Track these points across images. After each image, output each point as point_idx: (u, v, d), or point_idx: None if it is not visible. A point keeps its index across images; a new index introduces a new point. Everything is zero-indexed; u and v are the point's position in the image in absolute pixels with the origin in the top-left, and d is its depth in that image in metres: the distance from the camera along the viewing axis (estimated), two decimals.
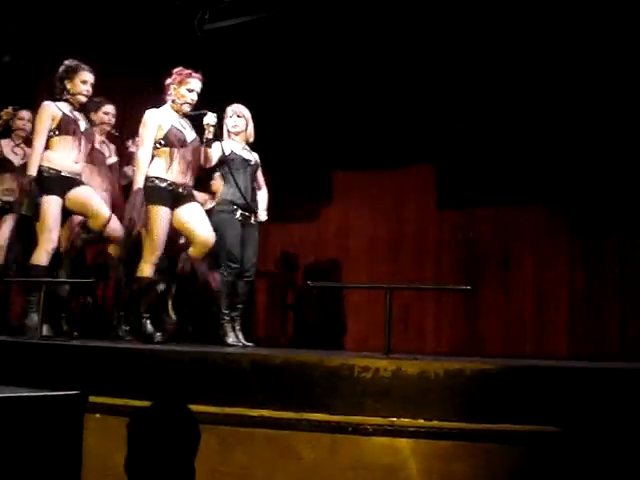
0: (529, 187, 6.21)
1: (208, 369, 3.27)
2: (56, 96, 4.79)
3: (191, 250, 4.72)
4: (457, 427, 3.00)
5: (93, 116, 5.39)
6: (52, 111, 4.71)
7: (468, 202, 6.53)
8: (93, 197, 4.82)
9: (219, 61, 6.23)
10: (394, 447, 3.03)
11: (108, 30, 6.79)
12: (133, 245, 4.90)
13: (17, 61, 6.68)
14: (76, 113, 4.82)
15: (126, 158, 5.72)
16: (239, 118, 5.19)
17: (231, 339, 4.88)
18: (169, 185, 4.66)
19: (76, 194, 4.75)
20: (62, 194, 4.70)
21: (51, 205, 4.64)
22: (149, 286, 4.67)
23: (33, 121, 5.43)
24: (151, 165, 4.66)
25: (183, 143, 4.71)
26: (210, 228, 4.73)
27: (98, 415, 3.31)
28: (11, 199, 5.45)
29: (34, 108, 5.22)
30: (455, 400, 3.04)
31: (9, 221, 5.40)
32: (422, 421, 3.01)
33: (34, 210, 4.61)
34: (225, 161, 5.03)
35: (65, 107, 4.77)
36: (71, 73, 4.77)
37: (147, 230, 4.62)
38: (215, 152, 4.95)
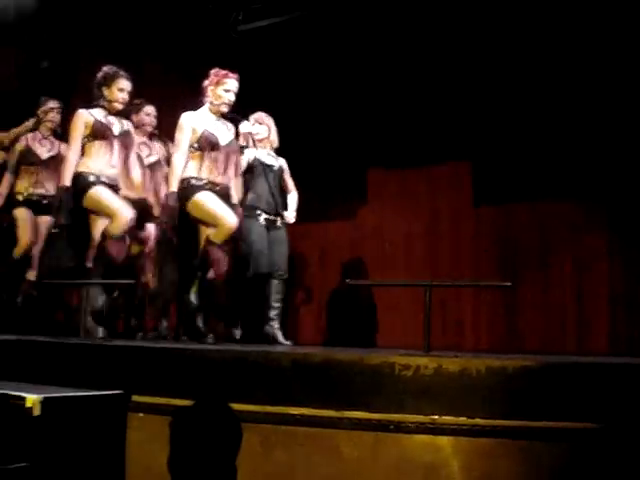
0: (567, 182, 6.14)
1: (249, 368, 3.28)
2: (93, 102, 4.83)
3: (213, 234, 4.64)
4: (499, 424, 2.98)
5: (134, 118, 5.42)
6: (85, 118, 4.75)
7: (505, 198, 6.47)
8: (116, 200, 4.75)
9: (254, 61, 6.25)
10: (435, 445, 3.01)
11: (143, 34, 6.87)
12: (168, 247, 4.93)
13: (54, 66, 6.77)
14: (110, 118, 4.83)
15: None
16: (260, 125, 5.33)
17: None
18: (205, 184, 4.66)
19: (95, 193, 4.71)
20: None
21: (101, 192, 4.65)
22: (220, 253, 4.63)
23: (62, 112, 5.58)
24: (186, 168, 4.67)
25: (215, 147, 4.71)
26: (233, 214, 4.68)
27: (141, 414, 3.34)
28: (42, 192, 5.52)
29: (70, 111, 5.28)
30: (497, 397, 3.01)
31: (47, 222, 5.44)
32: (464, 419, 2.99)
33: (70, 219, 4.67)
34: (248, 168, 5.19)
35: (99, 113, 4.80)
36: (109, 80, 4.80)
37: (202, 215, 4.62)
38: (245, 159, 5.14)
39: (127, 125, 5.01)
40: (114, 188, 4.80)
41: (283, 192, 5.48)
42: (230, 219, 4.62)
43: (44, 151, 5.57)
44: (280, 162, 5.47)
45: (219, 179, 4.74)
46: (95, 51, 6.62)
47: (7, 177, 5.58)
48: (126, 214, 4.65)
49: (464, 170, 6.68)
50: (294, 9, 6.47)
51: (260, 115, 5.37)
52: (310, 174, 6.90)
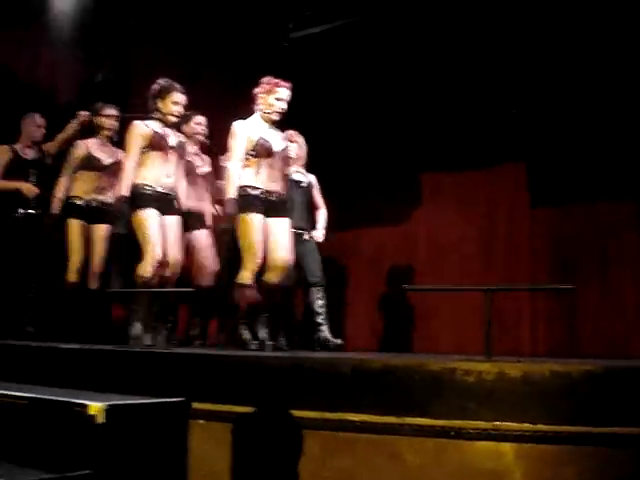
0: (624, 182, 6.03)
1: (308, 374, 3.27)
2: (148, 114, 4.89)
3: (267, 275, 4.71)
4: (563, 430, 2.92)
5: (185, 128, 5.48)
6: (141, 130, 4.80)
7: (561, 199, 6.39)
8: (153, 230, 4.74)
9: (307, 69, 6.28)
10: (498, 451, 2.96)
11: (194, 43, 6.96)
12: (232, 254, 4.99)
13: (109, 79, 6.89)
14: (166, 129, 4.89)
15: (219, 172, 5.76)
16: (291, 143, 5.38)
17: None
18: (261, 193, 4.69)
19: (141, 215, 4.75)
20: (158, 208, 4.76)
21: (149, 218, 4.70)
22: (250, 294, 4.67)
23: (119, 119, 5.58)
24: (242, 175, 4.69)
25: (271, 153, 4.73)
26: (289, 249, 4.73)
27: (202, 421, 3.35)
28: (102, 198, 5.52)
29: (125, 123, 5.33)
30: (561, 403, 2.96)
31: (106, 230, 5.51)
32: (527, 425, 2.94)
33: (128, 228, 4.75)
34: None
35: (155, 125, 4.85)
36: (163, 93, 4.85)
37: (243, 239, 4.64)
38: None
39: (181, 138, 5.08)
40: (169, 197, 4.86)
41: (312, 209, 5.68)
42: (283, 255, 4.69)
43: (105, 157, 5.57)
44: (310, 178, 5.65)
45: (274, 186, 4.76)
46: (149, 63, 6.72)
47: (63, 181, 5.54)
48: (158, 254, 4.69)
49: (520, 172, 6.62)
50: (346, 15, 6.47)
51: (290, 133, 5.42)
52: (363, 179, 6.91)
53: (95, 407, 2.93)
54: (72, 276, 5.46)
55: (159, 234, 4.73)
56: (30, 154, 5.76)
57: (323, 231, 5.61)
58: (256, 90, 4.82)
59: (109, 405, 2.97)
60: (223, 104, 6.67)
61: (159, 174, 4.81)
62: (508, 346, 6.17)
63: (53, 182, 5.69)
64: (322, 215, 5.71)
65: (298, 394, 3.23)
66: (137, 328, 4.71)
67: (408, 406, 3.06)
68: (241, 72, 6.93)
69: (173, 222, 4.88)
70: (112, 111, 5.59)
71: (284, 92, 4.78)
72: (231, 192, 4.65)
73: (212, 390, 3.43)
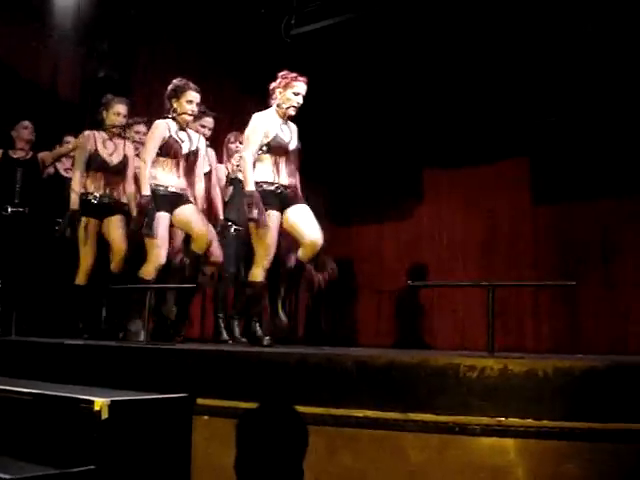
0: (626, 179, 6.03)
1: (313, 370, 3.27)
2: (165, 114, 4.87)
3: (300, 252, 4.62)
4: (567, 426, 2.92)
5: (191, 125, 5.34)
6: (162, 131, 4.79)
7: (564, 196, 6.39)
8: (196, 218, 4.84)
9: (308, 65, 6.27)
10: (502, 447, 2.97)
11: (195, 41, 6.95)
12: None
13: (111, 76, 6.88)
14: (181, 134, 4.89)
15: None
16: (241, 144, 5.28)
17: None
18: (277, 188, 4.62)
19: (182, 212, 4.82)
20: (170, 210, 4.79)
21: (160, 222, 4.73)
22: (261, 290, 4.65)
23: (128, 116, 5.45)
24: (256, 170, 4.62)
25: (285, 150, 4.68)
26: (319, 229, 4.62)
27: (206, 417, 3.36)
28: (115, 195, 5.36)
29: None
30: (564, 399, 2.96)
31: (121, 220, 5.34)
32: (531, 421, 2.94)
33: (152, 229, 4.69)
34: None
35: (173, 126, 4.85)
36: (178, 92, 4.84)
37: (258, 235, 4.58)
38: None
39: (196, 140, 5.03)
40: (182, 197, 4.85)
41: None
42: (314, 235, 4.57)
43: (111, 157, 5.40)
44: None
45: (289, 181, 4.69)
46: (152, 60, 6.72)
47: (78, 175, 5.31)
48: (207, 234, 4.77)
49: (523, 168, 6.61)
50: (347, 10, 6.46)
51: (241, 135, 5.28)
52: (364, 175, 6.91)
53: (100, 403, 2.94)
54: (81, 278, 5.32)
55: (165, 239, 4.77)
56: (19, 154, 5.84)
57: None
58: (273, 84, 4.74)
59: (113, 401, 2.98)
60: (225, 100, 6.67)
61: (171, 176, 4.84)
62: (512, 342, 6.18)
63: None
64: None
65: (303, 390, 3.24)
66: (137, 325, 4.74)
67: (412, 402, 3.06)
68: (243, 68, 6.94)
69: (191, 209, 4.86)
70: (121, 108, 5.40)
71: (301, 86, 4.70)
72: (250, 184, 4.56)
73: (216, 386, 3.43)
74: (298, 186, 4.80)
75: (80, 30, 6.65)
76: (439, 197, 7.02)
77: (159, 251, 4.73)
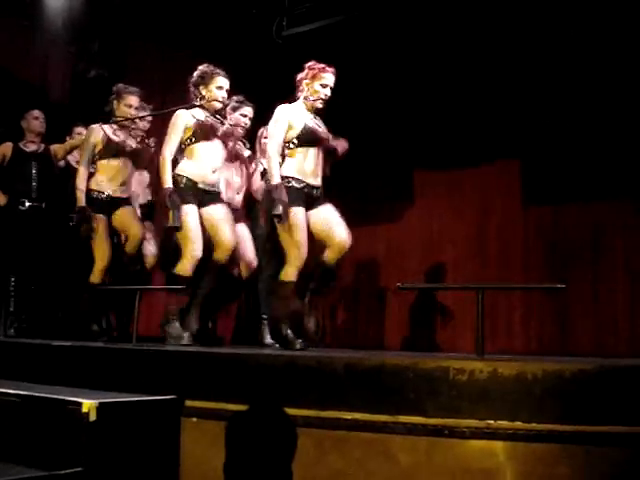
0: (617, 181, 6.04)
1: (302, 372, 3.27)
2: (191, 102, 4.69)
3: (326, 254, 4.45)
4: (556, 429, 2.92)
5: (228, 115, 5.14)
6: (185, 120, 4.59)
7: (554, 198, 6.40)
8: (221, 225, 4.63)
9: (300, 66, 6.26)
10: (491, 450, 2.97)
11: (187, 42, 6.94)
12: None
13: (102, 76, 6.85)
14: (211, 119, 4.68)
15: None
16: None
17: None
18: (304, 187, 4.43)
19: (209, 215, 4.63)
20: (199, 204, 4.61)
21: (189, 215, 4.53)
22: (293, 291, 4.43)
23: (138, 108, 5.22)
24: (285, 165, 4.42)
25: (317, 141, 4.46)
26: (347, 230, 4.46)
27: (195, 419, 3.35)
28: (126, 191, 5.20)
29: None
30: (553, 401, 2.96)
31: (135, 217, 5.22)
32: (520, 423, 2.94)
33: (180, 222, 4.49)
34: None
35: (200, 114, 4.65)
36: (207, 79, 4.66)
37: (287, 234, 4.36)
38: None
39: (228, 126, 4.84)
40: (213, 195, 4.69)
41: None
42: (343, 236, 4.41)
43: (125, 141, 5.19)
44: None
45: (317, 181, 4.51)
46: (144, 59, 6.71)
47: (83, 171, 5.12)
48: (229, 243, 4.58)
49: (513, 170, 6.62)
50: (338, 12, 6.47)
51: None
52: (355, 176, 6.90)
53: (88, 405, 2.93)
54: (97, 277, 5.11)
55: (199, 232, 4.57)
56: (31, 147, 5.69)
57: None
58: (300, 76, 4.55)
59: (101, 402, 2.97)
60: None
61: (205, 169, 4.63)
62: (501, 344, 6.19)
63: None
64: None
65: (292, 392, 3.24)
66: (175, 326, 4.54)
67: (401, 405, 3.06)
68: (234, 69, 6.90)
69: (221, 212, 4.69)
70: (133, 99, 5.19)
71: (330, 78, 4.51)
72: (276, 177, 4.36)
73: (205, 388, 3.43)
74: (322, 185, 4.59)
75: (70, 29, 6.62)
76: (429, 198, 7.02)
77: (193, 245, 4.51)
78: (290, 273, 4.37)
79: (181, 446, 3.31)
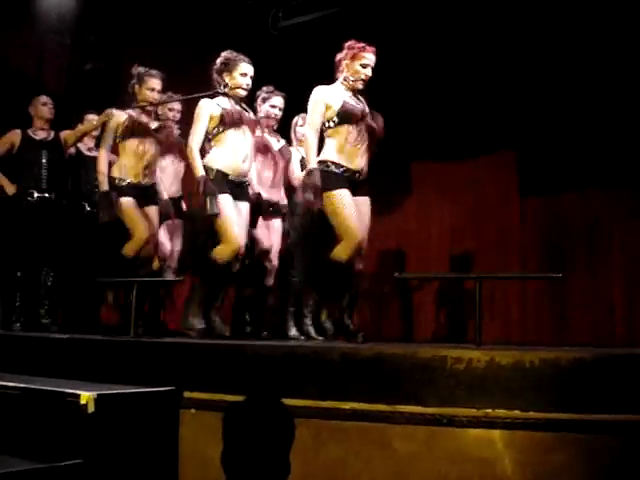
0: (614, 170, 6.04)
1: (300, 363, 3.28)
2: (214, 90, 4.56)
3: (339, 248, 4.28)
4: (554, 418, 2.94)
5: (259, 106, 5.08)
6: (210, 109, 4.48)
7: (551, 187, 6.40)
8: (232, 224, 4.46)
9: (295, 58, 6.28)
10: (489, 439, 2.98)
11: (183, 33, 6.92)
12: (310, 229, 4.68)
13: (98, 68, 6.82)
14: (237, 107, 4.57)
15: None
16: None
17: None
18: (345, 172, 4.30)
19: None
20: (231, 193, 4.47)
21: (226, 203, 4.41)
22: (350, 271, 4.33)
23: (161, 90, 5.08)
24: (325, 148, 4.32)
25: (357, 118, 4.33)
26: (367, 229, 4.41)
27: (193, 410, 3.36)
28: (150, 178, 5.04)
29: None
30: (551, 390, 2.98)
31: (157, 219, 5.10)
32: (518, 412, 2.95)
33: (218, 208, 4.35)
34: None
35: (225, 102, 4.53)
36: (230, 65, 4.53)
37: (336, 216, 4.23)
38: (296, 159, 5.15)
39: (252, 115, 4.74)
40: (242, 185, 4.60)
41: None
42: (358, 234, 4.26)
43: (149, 121, 5.08)
44: None
45: (358, 163, 4.36)
46: (140, 52, 6.67)
47: (103, 155, 4.98)
48: (240, 239, 4.43)
49: (509, 159, 6.62)
50: (334, 4, 6.45)
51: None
52: None
53: (86, 397, 2.93)
54: (132, 248, 4.89)
55: (234, 220, 4.43)
56: (41, 135, 5.52)
57: None
58: (339, 56, 4.45)
59: (99, 394, 2.97)
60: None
61: (235, 158, 4.51)
62: (499, 334, 6.19)
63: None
64: None
65: (290, 382, 3.25)
66: (215, 319, 4.51)
67: (399, 394, 3.07)
68: None
69: (244, 209, 4.62)
70: (156, 83, 5.04)
71: (370, 57, 4.40)
72: (312, 161, 4.25)
73: (203, 379, 3.44)
74: (367, 169, 4.46)
75: (66, 22, 6.59)
76: (426, 189, 7.00)
77: (233, 231, 4.37)
78: (344, 253, 4.22)
79: (180, 437, 3.31)
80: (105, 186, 4.90)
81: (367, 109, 4.44)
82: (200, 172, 4.41)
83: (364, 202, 4.43)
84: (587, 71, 6.03)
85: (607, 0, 5.82)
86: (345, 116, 4.31)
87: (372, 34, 6.51)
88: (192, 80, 6.10)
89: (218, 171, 4.46)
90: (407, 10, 6.33)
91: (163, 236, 5.32)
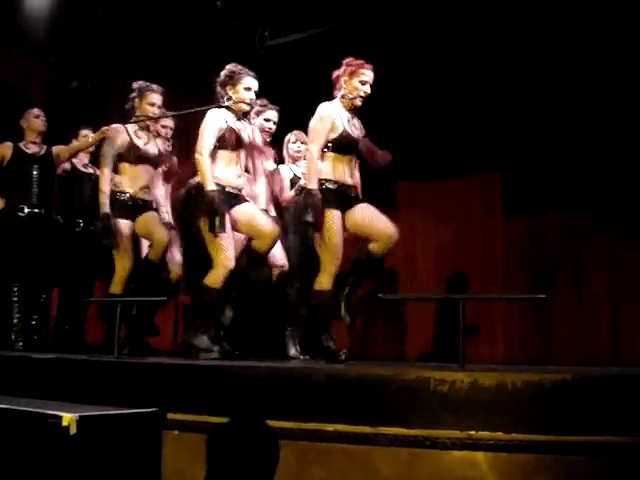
0: (599, 193, 6.09)
1: (284, 384, 3.27)
2: (218, 103, 4.47)
3: (373, 246, 4.26)
4: (537, 439, 2.94)
5: (253, 119, 4.99)
6: (219, 121, 4.39)
7: (536, 209, 6.44)
8: (258, 215, 4.48)
9: (282, 77, 6.29)
10: (473, 461, 2.97)
11: (170, 52, 6.94)
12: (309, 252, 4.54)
13: (84, 86, 6.81)
14: (238, 124, 4.51)
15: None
16: (302, 144, 5.15)
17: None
18: (339, 187, 4.28)
19: (242, 211, 4.44)
20: (228, 209, 4.36)
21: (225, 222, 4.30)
22: (329, 300, 4.25)
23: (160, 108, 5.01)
24: (319, 167, 4.26)
25: (353, 148, 4.34)
26: (391, 222, 4.31)
27: (176, 432, 3.33)
28: (148, 194, 4.96)
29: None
30: (534, 412, 2.98)
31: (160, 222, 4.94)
32: (501, 434, 2.95)
33: (224, 228, 4.26)
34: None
35: (229, 117, 4.45)
36: (234, 79, 4.46)
37: (322, 239, 4.20)
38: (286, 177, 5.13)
39: (250, 132, 4.66)
40: (238, 197, 4.48)
41: None
42: (389, 227, 4.26)
43: (146, 145, 4.98)
44: None
45: (352, 180, 4.38)
46: (123, 69, 6.69)
47: (106, 172, 4.83)
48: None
49: (494, 180, 6.65)
50: (320, 23, 6.49)
51: (302, 134, 5.13)
52: None
53: (68, 418, 2.91)
54: (117, 287, 4.85)
55: (230, 240, 4.34)
56: (33, 149, 5.46)
57: None
58: (337, 73, 4.39)
59: (81, 416, 2.95)
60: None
61: (229, 174, 4.44)
62: (484, 354, 6.20)
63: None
64: None
65: (274, 404, 3.23)
66: (203, 340, 4.32)
67: (383, 416, 3.06)
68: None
69: (251, 206, 4.55)
70: (157, 98, 4.98)
71: (369, 74, 4.35)
72: (314, 182, 4.20)
73: (186, 400, 3.41)
74: (359, 185, 4.47)
75: (51, 39, 6.59)
76: (412, 209, 7.02)
77: (227, 254, 4.27)
78: (325, 281, 4.21)
79: (162, 459, 3.29)
80: (107, 208, 4.76)
81: (362, 134, 4.45)
82: (210, 185, 4.26)
83: (364, 205, 4.38)
84: (570, 93, 6.09)
85: (588, 23, 5.88)
86: (342, 146, 4.30)
87: (358, 53, 6.59)
88: (178, 98, 6.13)
89: (217, 184, 4.34)
90: (391, 31, 6.37)
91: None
